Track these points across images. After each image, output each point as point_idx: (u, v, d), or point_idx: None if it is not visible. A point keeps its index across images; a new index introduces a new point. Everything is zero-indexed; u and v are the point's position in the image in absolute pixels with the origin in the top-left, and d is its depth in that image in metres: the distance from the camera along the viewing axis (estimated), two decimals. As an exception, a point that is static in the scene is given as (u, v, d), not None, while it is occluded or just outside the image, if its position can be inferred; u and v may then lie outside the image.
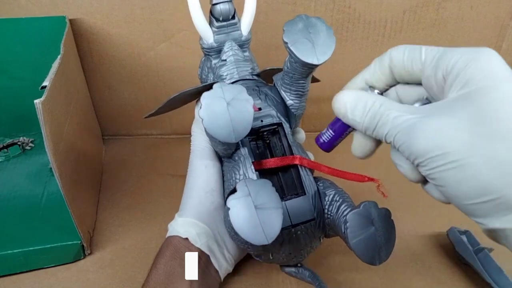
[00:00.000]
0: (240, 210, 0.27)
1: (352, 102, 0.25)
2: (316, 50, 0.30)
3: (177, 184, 0.51)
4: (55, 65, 0.36)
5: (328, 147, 0.30)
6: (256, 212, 0.27)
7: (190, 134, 0.61)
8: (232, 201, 0.27)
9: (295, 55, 0.30)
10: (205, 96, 0.30)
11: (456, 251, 0.41)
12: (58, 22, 0.46)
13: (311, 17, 0.31)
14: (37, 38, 0.48)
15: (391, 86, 0.28)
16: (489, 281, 0.37)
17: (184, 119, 0.59)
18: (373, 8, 0.52)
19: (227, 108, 0.29)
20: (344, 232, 0.30)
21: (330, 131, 0.29)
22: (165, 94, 0.56)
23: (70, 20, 0.48)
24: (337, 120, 0.28)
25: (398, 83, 0.27)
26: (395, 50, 0.26)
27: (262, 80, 0.38)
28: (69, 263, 0.40)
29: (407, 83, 0.27)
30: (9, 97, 0.50)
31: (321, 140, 0.30)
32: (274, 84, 0.36)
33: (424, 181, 0.25)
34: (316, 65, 0.30)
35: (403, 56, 0.25)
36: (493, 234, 0.22)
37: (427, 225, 0.45)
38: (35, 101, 0.30)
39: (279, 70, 0.36)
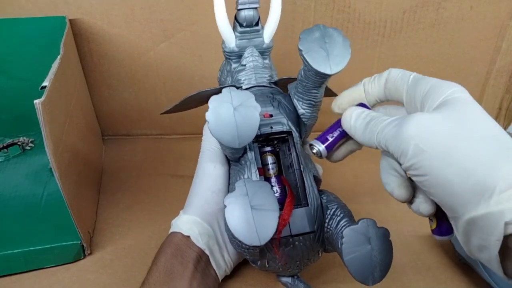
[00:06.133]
0: (235, 208, 0.27)
1: (355, 114, 0.30)
2: (330, 60, 0.30)
3: (177, 184, 0.51)
4: (55, 65, 0.36)
5: (330, 148, 0.32)
6: (252, 212, 0.27)
7: (190, 134, 0.61)
8: (228, 199, 0.28)
9: (308, 63, 0.30)
10: (213, 99, 0.30)
11: (456, 251, 0.41)
12: (58, 22, 0.46)
13: (329, 28, 0.31)
14: (37, 38, 0.48)
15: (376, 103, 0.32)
16: (489, 281, 0.37)
17: (184, 120, 0.59)
18: (373, 8, 0.52)
19: (233, 113, 0.29)
20: (340, 247, 0.29)
21: (330, 136, 0.31)
22: (165, 94, 0.56)
23: (70, 20, 0.48)
24: (336, 127, 0.31)
25: (382, 101, 0.32)
26: (394, 69, 0.30)
27: (279, 89, 0.38)
28: (69, 263, 0.40)
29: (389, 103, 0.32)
30: (9, 97, 0.50)
31: (326, 143, 0.32)
32: (289, 93, 0.36)
33: (410, 200, 0.29)
34: (329, 75, 0.30)
35: (397, 75, 0.29)
36: (469, 229, 0.23)
37: (427, 225, 0.45)
38: (35, 101, 0.30)
39: (295, 79, 0.36)
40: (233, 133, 0.29)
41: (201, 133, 0.40)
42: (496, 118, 0.63)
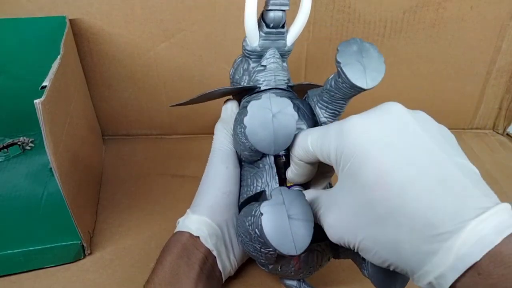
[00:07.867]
0: (273, 217, 0.27)
1: None
2: (366, 75, 0.30)
3: (177, 184, 0.51)
4: (55, 65, 0.36)
5: None
6: (289, 221, 0.27)
7: (190, 134, 0.61)
8: (265, 207, 0.27)
9: (346, 76, 0.30)
10: (253, 105, 0.30)
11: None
12: (58, 22, 0.46)
13: (365, 42, 0.31)
14: (37, 38, 0.48)
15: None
16: (489, 281, 0.37)
17: (184, 120, 0.59)
18: (373, 8, 0.52)
19: (272, 120, 0.30)
20: (364, 259, 0.29)
21: None
22: (165, 94, 0.56)
23: (70, 20, 0.48)
24: None
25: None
26: (300, 141, 0.30)
27: (295, 93, 0.38)
28: (69, 263, 0.40)
29: None
30: (9, 97, 0.50)
31: None
32: (305, 99, 0.36)
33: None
34: (364, 89, 0.30)
35: (297, 150, 0.30)
36: None
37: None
38: (35, 101, 0.30)
39: (315, 86, 0.36)
40: (269, 139, 0.30)
41: (202, 133, 0.40)
42: (496, 118, 0.64)
